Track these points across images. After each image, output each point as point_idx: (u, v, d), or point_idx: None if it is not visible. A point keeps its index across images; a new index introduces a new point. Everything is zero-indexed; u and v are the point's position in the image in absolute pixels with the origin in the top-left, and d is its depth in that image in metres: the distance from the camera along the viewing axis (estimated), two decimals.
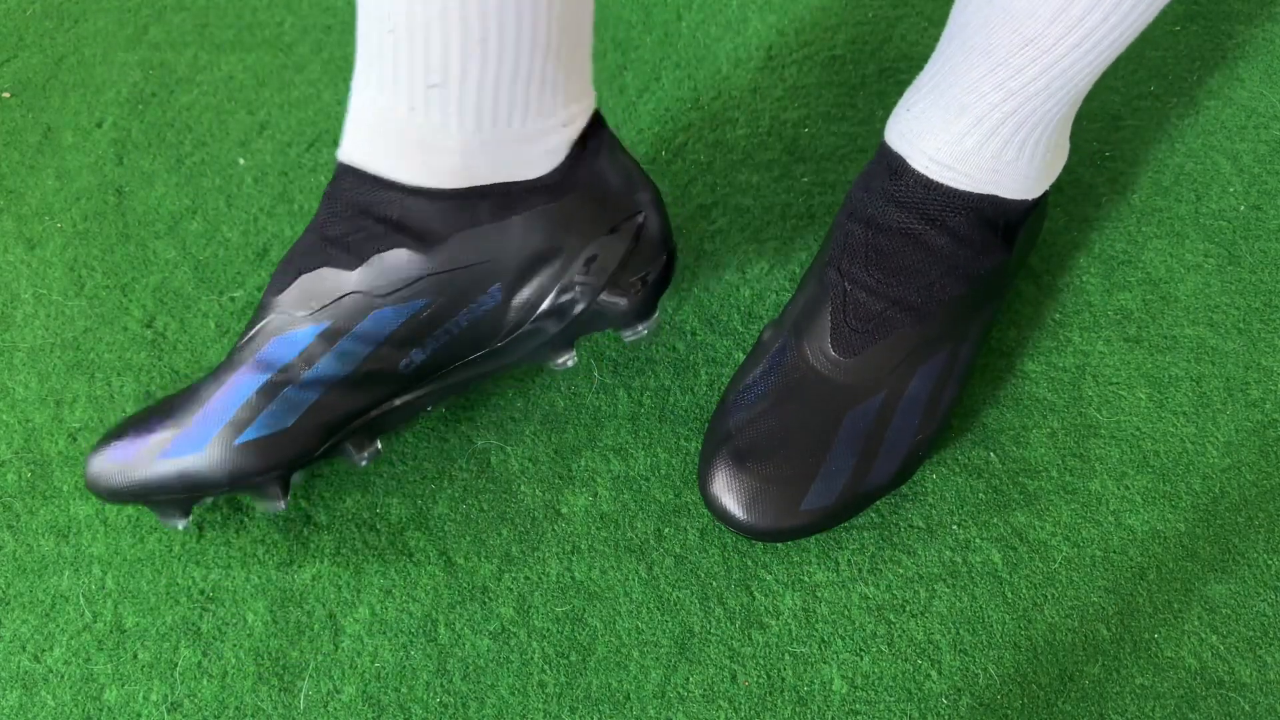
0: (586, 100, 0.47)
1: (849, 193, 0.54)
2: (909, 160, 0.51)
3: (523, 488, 0.55)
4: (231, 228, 0.64)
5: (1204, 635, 0.50)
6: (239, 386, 0.47)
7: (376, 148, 0.45)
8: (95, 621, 0.51)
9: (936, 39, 0.71)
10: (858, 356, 0.51)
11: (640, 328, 0.52)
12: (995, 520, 0.53)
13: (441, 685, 0.49)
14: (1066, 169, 0.66)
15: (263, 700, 0.49)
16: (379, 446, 0.51)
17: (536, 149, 0.46)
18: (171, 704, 0.49)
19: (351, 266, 0.46)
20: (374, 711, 0.49)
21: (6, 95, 0.71)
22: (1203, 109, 0.69)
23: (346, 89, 0.70)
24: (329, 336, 0.47)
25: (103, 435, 0.50)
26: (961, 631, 0.51)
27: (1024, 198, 0.52)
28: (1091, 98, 0.70)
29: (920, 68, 0.62)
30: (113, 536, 0.53)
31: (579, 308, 0.50)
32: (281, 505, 0.50)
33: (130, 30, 0.74)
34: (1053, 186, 0.65)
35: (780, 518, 0.49)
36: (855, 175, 0.66)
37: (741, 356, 0.59)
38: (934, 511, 0.54)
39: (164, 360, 0.59)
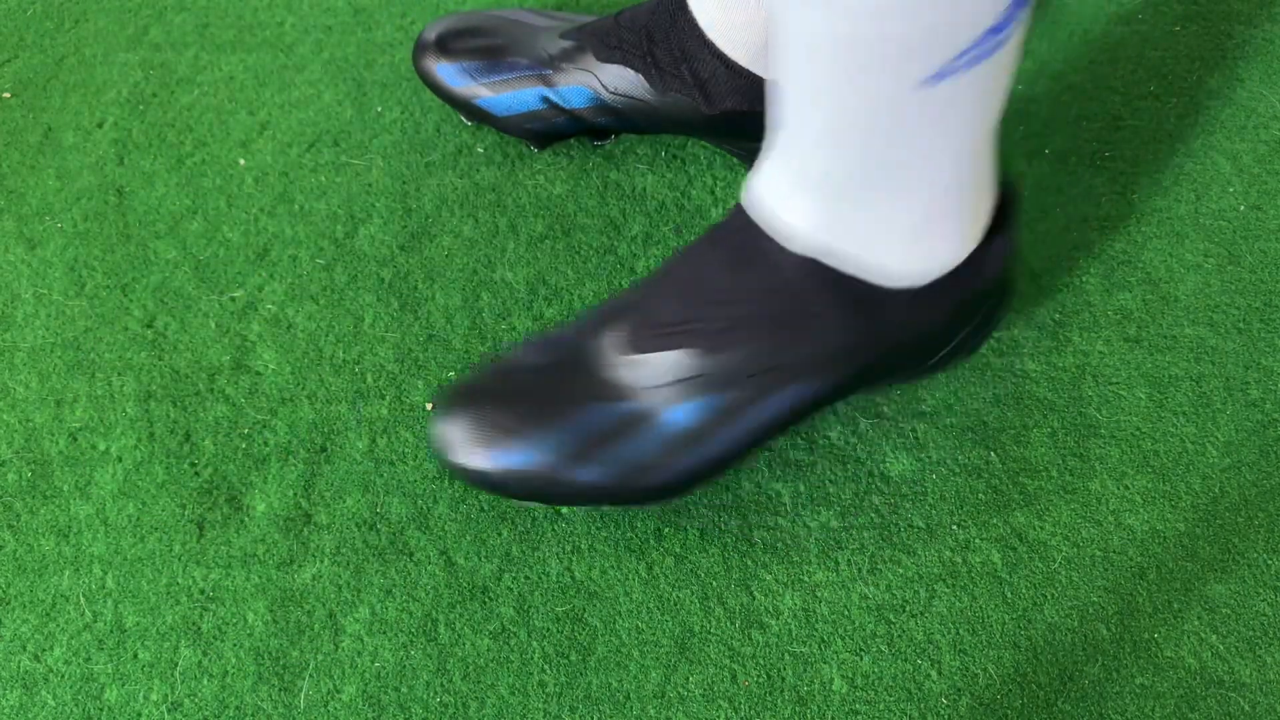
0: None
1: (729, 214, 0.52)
2: (748, 207, 0.49)
3: None
4: (232, 228, 0.64)
5: (1204, 635, 0.50)
6: (528, 96, 0.63)
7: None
8: (95, 621, 0.51)
9: None
10: (637, 358, 0.49)
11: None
12: (995, 520, 0.53)
13: (442, 685, 0.49)
14: (1067, 169, 0.66)
15: (263, 700, 0.49)
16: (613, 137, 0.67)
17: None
18: (172, 704, 0.49)
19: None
20: (374, 711, 0.49)
21: (7, 95, 0.71)
22: (1202, 109, 0.69)
23: (346, 89, 0.71)
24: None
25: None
26: (961, 631, 0.51)
27: (846, 270, 0.47)
28: (1091, 97, 0.70)
29: None
30: (113, 536, 0.53)
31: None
32: (535, 149, 0.67)
33: (131, 30, 0.74)
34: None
35: (468, 455, 0.49)
36: None
37: None
38: (934, 512, 0.54)
39: (164, 360, 0.59)
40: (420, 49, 0.65)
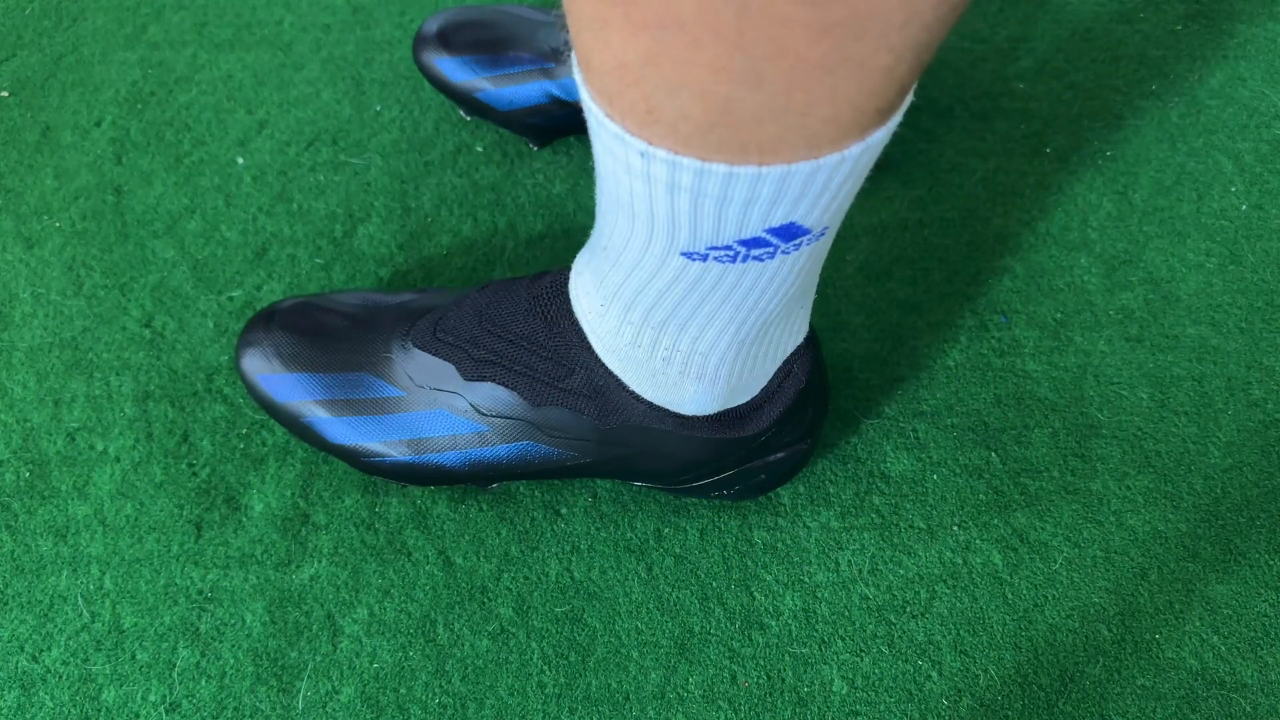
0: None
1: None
2: (572, 271, 0.48)
3: (522, 487, 0.54)
4: (230, 227, 0.64)
5: (1205, 636, 0.50)
6: (532, 91, 0.62)
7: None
8: (93, 622, 0.51)
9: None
10: (413, 350, 0.50)
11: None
12: (996, 521, 0.53)
13: (440, 686, 0.49)
14: (1068, 168, 0.66)
15: (261, 701, 0.49)
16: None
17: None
18: (170, 704, 0.49)
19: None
20: (373, 712, 0.49)
21: (5, 94, 0.71)
22: (1204, 108, 0.69)
23: (345, 88, 0.70)
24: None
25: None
26: (962, 632, 0.50)
27: (618, 375, 0.46)
28: (1093, 96, 0.70)
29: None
30: (111, 537, 0.53)
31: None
32: (535, 146, 0.63)
33: (129, 29, 0.74)
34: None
35: (247, 359, 0.52)
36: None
37: None
38: (935, 512, 0.54)
39: (162, 360, 0.59)
40: (420, 42, 0.65)
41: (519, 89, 0.63)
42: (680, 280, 0.37)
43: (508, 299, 0.49)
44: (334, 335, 0.52)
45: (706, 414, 0.46)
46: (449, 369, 0.49)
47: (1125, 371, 0.58)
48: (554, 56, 0.62)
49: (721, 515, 0.54)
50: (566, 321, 0.46)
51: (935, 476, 0.55)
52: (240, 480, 0.55)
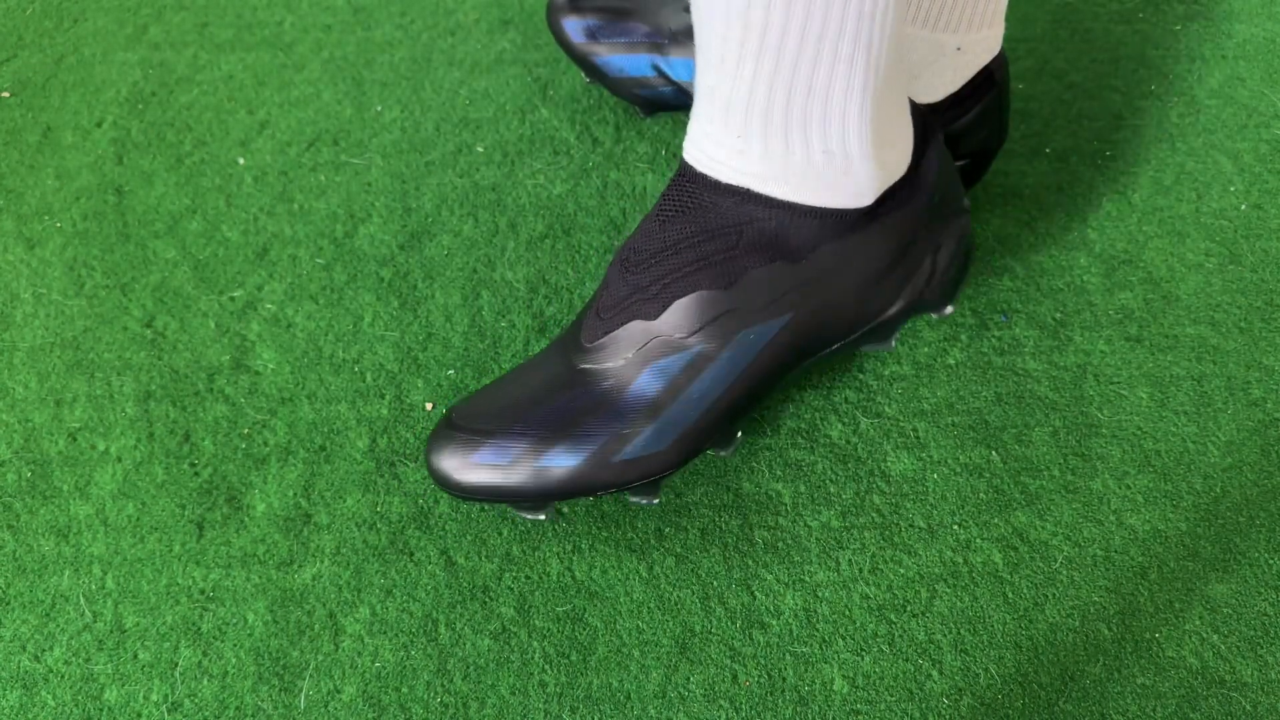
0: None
1: None
2: (684, 153, 0.49)
3: None
4: (231, 227, 0.64)
5: (1205, 635, 0.50)
6: (640, 62, 0.64)
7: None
8: (95, 621, 0.51)
9: None
10: (597, 343, 0.49)
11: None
12: (996, 520, 0.53)
13: (442, 685, 0.49)
14: (1068, 168, 0.66)
15: (263, 700, 0.49)
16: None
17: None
18: (172, 704, 0.49)
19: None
20: (374, 712, 0.49)
21: (6, 95, 0.71)
22: (1204, 108, 0.69)
23: (346, 88, 0.70)
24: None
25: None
26: (962, 631, 0.50)
27: (785, 198, 0.46)
28: (1092, 96, 0.70)
29: None
30: (113, 536, 0.53)
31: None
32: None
33: (130, 30, 0.74)
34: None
35: (455, 466, 0.49)
36: None
37: None
38: (935, 511, 0.54)
39: (163, 360, 0.59)
40: (553, 3, 0.68)
41: (628, 59, 0.66)
42: (806, 14, 0.39)
43: (640, 236, 0.48)
44: (514, 402, 0.50)
45: (875, 187, 0.47)
46: (634, 325, 0.48)
47: (1125, 371, 0.58)
48: (670, 35, 0.64)
49: (722, 515, 0.54)
50: (707, 192, 0.46)
51: (935, 475, 0.55)
52: (242, 480, 0.55)
